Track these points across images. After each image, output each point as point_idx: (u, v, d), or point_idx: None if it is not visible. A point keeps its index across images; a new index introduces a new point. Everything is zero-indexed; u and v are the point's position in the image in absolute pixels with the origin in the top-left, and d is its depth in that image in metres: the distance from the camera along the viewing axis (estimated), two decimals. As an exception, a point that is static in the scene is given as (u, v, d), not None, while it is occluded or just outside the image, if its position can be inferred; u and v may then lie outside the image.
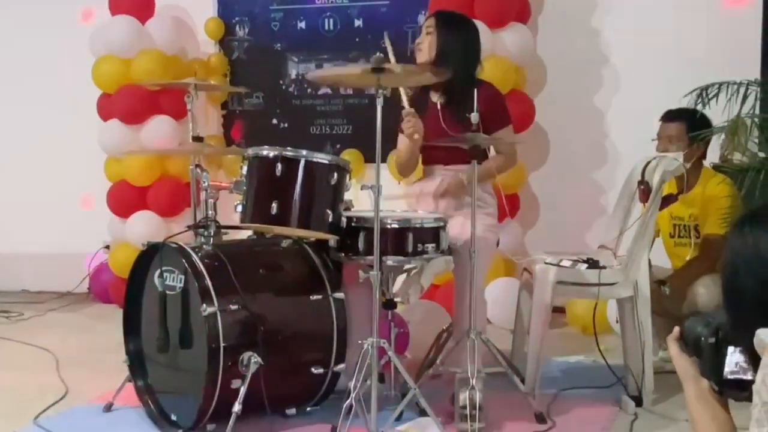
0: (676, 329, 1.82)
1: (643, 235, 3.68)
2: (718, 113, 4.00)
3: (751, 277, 1.53)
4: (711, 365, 1.70)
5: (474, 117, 3.40)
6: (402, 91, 3.70)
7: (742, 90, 3.90)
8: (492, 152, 3.87)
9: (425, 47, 3.75)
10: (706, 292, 3.79)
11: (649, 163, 3.75)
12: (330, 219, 3.31)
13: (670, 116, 4.07)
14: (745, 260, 1.55)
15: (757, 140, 3.89)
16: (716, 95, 3.96)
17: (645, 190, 3.73)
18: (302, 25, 5.92)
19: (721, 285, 1.64)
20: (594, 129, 5.42)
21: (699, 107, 4.02)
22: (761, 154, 3.93)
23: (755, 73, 4.35)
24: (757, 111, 3.90)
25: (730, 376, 1.63)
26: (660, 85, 4.90)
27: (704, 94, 4.00)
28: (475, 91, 3.42)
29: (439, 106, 3.77)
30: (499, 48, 5.05)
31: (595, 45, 5.39)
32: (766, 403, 1.35)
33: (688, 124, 3.97)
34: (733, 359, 1.63)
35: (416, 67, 3.66)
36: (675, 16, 5.12)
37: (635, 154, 3.99)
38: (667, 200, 3.83)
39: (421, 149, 3.85)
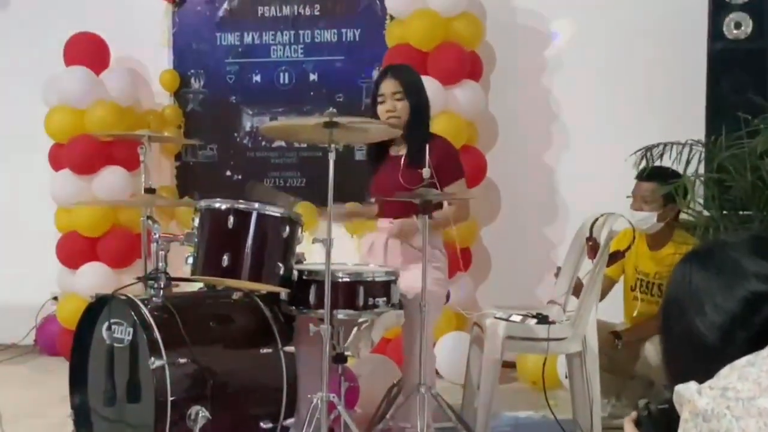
0: (634, 413, 1.66)
1: (591, 290, 3.72)
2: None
3: (680, 317, 1.48)
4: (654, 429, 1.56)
5: (426, 172, 3.44)
6: None
7: (686, 151, 3.99)
8: (445, 205, 3.91)
9: (402, 113, 3.77)
10: (658, 351, 3.82)
11: (597, 220, 3.81)
12: (281, 272, 3.31)
13: (644, 175, 4.04)
14: (678, 297, 1.50)
15: (702, 200, 3.96)
16: (661, 155, 4.05)
17: (593, 246, 3.77)
18: (257, 78, 5.95)
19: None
20: (544, 185, 5.50)
21: (643, 165, 4.09)
22: (706, 213, 4.01)
23: (700, 133, 4.44)
24: (701, 170, 3.99)
25: None
26: (608, 144, 4.99)
27: (649, 154, 4.08)
28: (428, 144, 3.47)
29: (402, 159, 3.81)
30: (452, 104, 5.12)
31: (545, 103, 5.49)
32: None
33: (662, 184, 3.93)
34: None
35: (370, 122, 3.70)
36: (622, 77, 5.24)
37: (584, 210, 4.04)
38: (614, 257, 3.87)
39: (376, 201, 3.89)
